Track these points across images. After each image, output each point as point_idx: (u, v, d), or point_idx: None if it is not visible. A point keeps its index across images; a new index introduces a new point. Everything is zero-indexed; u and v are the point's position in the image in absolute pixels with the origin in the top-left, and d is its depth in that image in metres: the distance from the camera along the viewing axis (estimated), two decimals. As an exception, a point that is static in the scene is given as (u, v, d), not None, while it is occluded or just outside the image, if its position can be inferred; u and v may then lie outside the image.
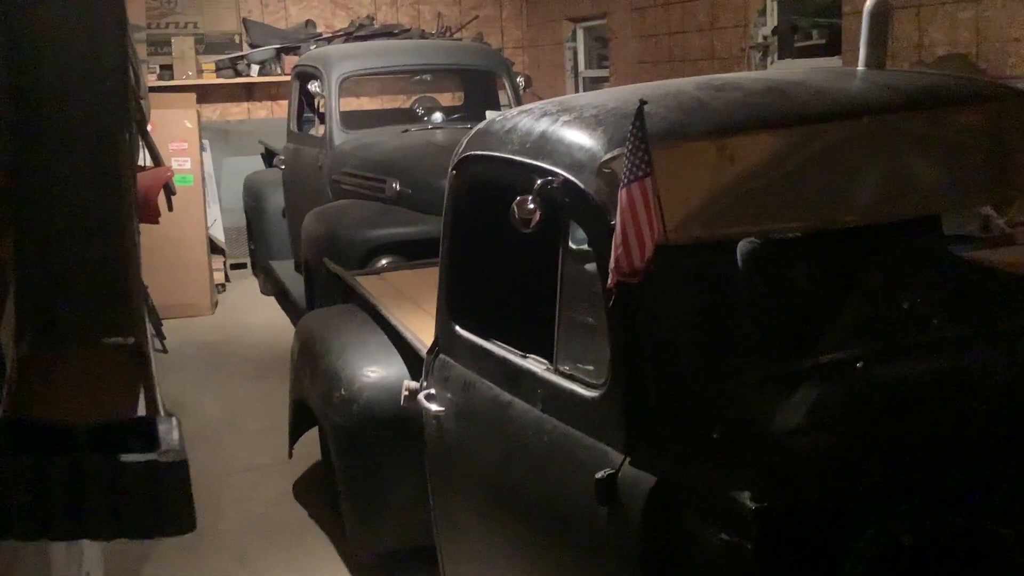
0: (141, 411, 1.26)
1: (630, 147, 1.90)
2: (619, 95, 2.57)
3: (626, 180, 1.90)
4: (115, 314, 1.12)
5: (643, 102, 1.92)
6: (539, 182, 2.26)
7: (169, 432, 1.15)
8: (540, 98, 2.88)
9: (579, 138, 2.29)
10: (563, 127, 2.37)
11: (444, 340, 2.84)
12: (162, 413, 1.22)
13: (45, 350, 1.13)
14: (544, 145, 2.37)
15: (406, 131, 6.55)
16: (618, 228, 1.91)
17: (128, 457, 1.12)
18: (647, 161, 1.89)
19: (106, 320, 1.12)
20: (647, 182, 1.89)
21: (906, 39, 5.29)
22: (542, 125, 2.44)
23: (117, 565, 3.91)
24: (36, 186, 1.14)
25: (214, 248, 8.13)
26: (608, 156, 2.16)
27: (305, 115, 7.25)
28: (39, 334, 1.12)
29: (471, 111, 6.95)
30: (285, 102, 7.87)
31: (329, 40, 9.04)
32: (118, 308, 1.12)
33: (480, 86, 7.36)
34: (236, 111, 9.51)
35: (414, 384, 2.95)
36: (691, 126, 2.24)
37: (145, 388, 1.21)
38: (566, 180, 2.22)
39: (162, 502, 1.15)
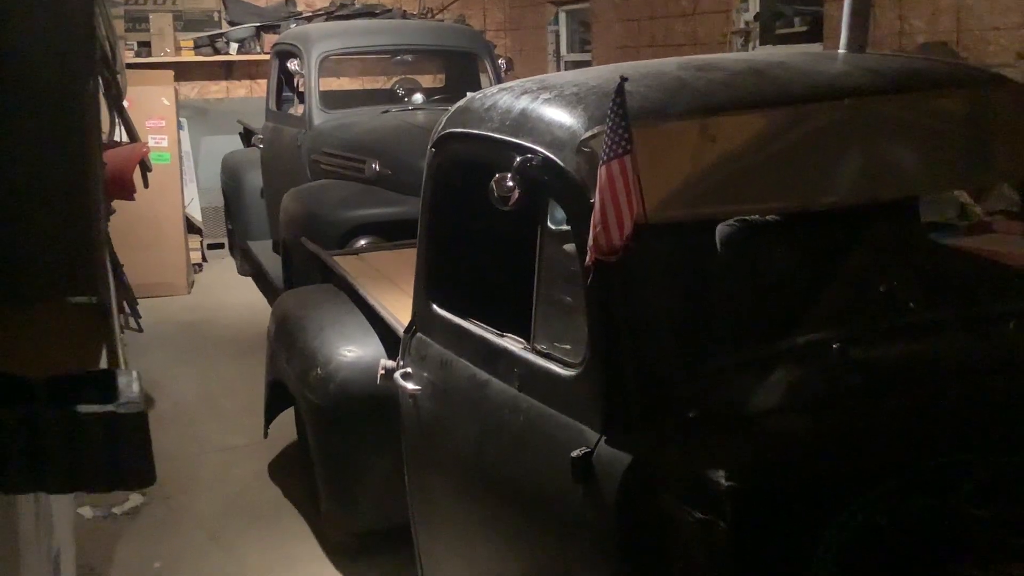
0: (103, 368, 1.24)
1: (610, 125, 1.89)
2: (600, 74, 2.56)
3: (606, 158, 1.89)
4: (79, 272, 1.10)
5: (624, 79, 1.91)
6: (518, 160, 2.24)
7: (129, 385, 1.13)
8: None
9: (559, 116, 2.28)
10: (543, 105, 2.35)
11: (421, 319, 2.82)
12: (123, 367, 1.20)
13: (6, 307, 1.10)
14: (524, 123, 2.35)
15: (386, 112, 6.51)
16: (597, 206, 1.89)
17: (86, 408, 1.10)
18: (627, 139, 1.88)
19: (70, 278, 1.10)
20: (627, 160, 1.88)
21: (887, 26, 5.31)
22: (522, 103, 2.42)
23: (89, 543, 3.89)
24: (-2, 141, 1.11)
25: (191, 227, 8.06)
26: (588, 134, 2.14)
27: (284, 94, 7.19)
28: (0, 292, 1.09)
29: (452, 93, 6.90)
30: (264, 81, 7.81)
31: (309, 19, 8.96)
32: (82, 266, 1.10)
33: (461, 68, 7.32)
34: (215, 89, 9.42)
35: (391, 363, 2.93)
36: (672, 105, 2.23)
37: (107, 343, 1.19)
38: (546, 158, 2.21)
39: (120, 455, 1.13)
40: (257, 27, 9.12)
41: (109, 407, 1.12)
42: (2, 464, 1.11)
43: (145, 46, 8.79)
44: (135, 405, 1.13)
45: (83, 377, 1.14)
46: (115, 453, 1.13)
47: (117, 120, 5.15)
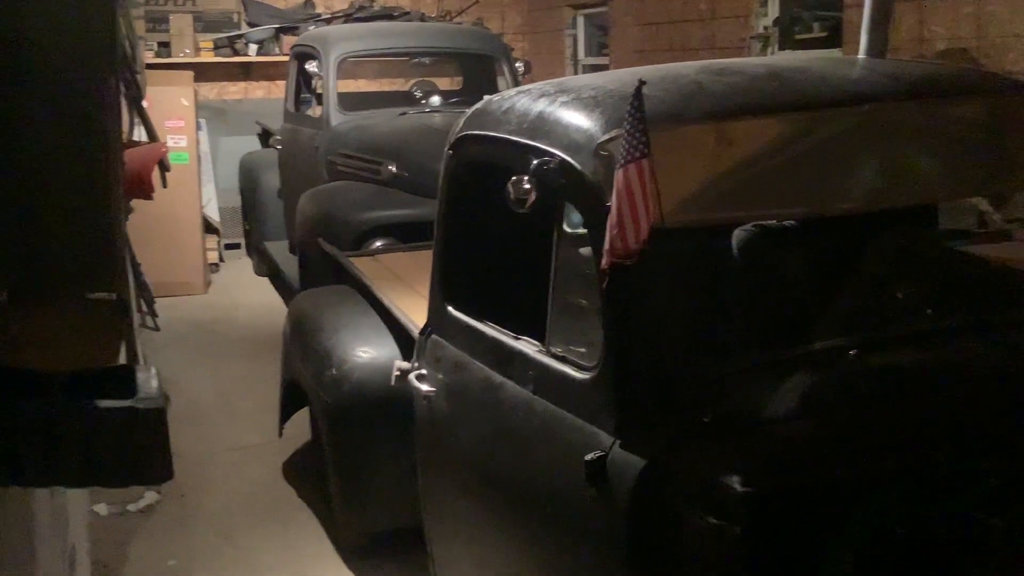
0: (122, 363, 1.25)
1: (628, 128, 1.89)
2: (617, 77, 2.56)
3: (623, 161, 1.89)
4: (98, 268, 1.11)
5: (642, 82, 1.91)
6: (535, 162, 2.25)
7: (148, 380, 1.14)
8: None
9: (576, 119, 2.28)
10: (560, 108, 2.36)
11: (436, 320, 2.82)
12: (142, 363, 1.21)
13: (26, 303, 1.11)
14: (541, 125, 2.36)
15: (404, 114, 6.52)
16: (614, 209, 1.89)
17: (105, 403, 1.11)
18: (645, 142, 1.88)
19: (89, 274, 1.11)
20: (644, 163, 1.88)
21: (907, 32, 5.28)
22: (539, 105, 2.42)
23: (104, 540, 3.90)
24: (18, 136, 1.11)
25: (208, 227, 8.10)
26: (605, 137, 2.14)
27: (303, 96, 7.21)
28: (20, 287, 1.10)
29: (469, 95, 6.91)
30: (283, 82, 7.83)
31: (328, 21, 8.98)
32: (101, 262, 1.10)
33: (479, 71, 7.32)
34: (233, 90, 9.46)
35: (405, 364, 2.94)
36: (690, 109, 2.23)
37: (126, 339, 1.20)
38: (562, 161, 2.21)
39: (138, 450, 1.13)
40: (276, 28, 9.15)
41: (128, 402, 1.12)
42: (19, 458, 1.12)
43: (165, 46, 8.84)
44: (154, 401, 1.14)
45: (102, 372, 1.14)
46: (133, 448, 1.13)
47: (136, 120, 5.18)
